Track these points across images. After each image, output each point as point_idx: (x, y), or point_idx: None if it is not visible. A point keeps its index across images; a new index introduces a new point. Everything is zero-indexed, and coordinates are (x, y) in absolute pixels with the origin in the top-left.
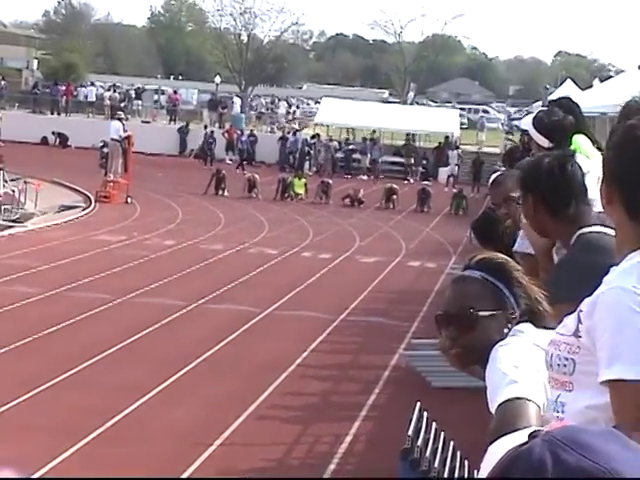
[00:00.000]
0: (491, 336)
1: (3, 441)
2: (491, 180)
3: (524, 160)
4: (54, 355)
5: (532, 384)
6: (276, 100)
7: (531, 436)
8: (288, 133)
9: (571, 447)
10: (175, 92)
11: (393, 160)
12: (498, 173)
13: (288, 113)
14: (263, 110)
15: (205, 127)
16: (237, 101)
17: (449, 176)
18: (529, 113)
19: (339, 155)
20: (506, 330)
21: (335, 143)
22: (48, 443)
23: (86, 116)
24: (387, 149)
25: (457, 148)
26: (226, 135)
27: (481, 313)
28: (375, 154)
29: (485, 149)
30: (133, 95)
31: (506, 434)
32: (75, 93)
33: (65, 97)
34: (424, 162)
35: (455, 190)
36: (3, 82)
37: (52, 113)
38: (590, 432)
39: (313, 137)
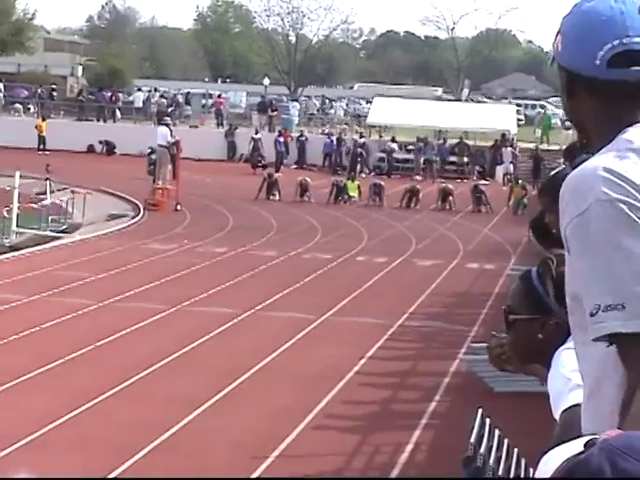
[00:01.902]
0: (526, 339)
1: (59, 454)
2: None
3: (580, 158)
4: (108, 367)
5: None
6: (327, 101)
7: (588, 445)
8: (340, 134)
9: (630, 455)
10: (219, 96)
11: (449, 160)
12: (553, 172)
13: (346, 114)
14: (314, 112)
15: (256, 132)
16: (295, 105)
17: (505, 174)
18: None
19: (396, 156)
20: (540, 336)
21: (393, 144)
22: (104, 456)
23: (132, 122)
24: (443, 148)
25: (511, 146)
26: (281, 139)
27: (511, 316)
28: (433, 153)
29: (542, 145)
30: (180, 100)
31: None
32: (121, 99)
33: (112, 103)
34: (481, 161)
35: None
36: (42, 89)
37: (98, 120)
38: None
39: (361, 136)
